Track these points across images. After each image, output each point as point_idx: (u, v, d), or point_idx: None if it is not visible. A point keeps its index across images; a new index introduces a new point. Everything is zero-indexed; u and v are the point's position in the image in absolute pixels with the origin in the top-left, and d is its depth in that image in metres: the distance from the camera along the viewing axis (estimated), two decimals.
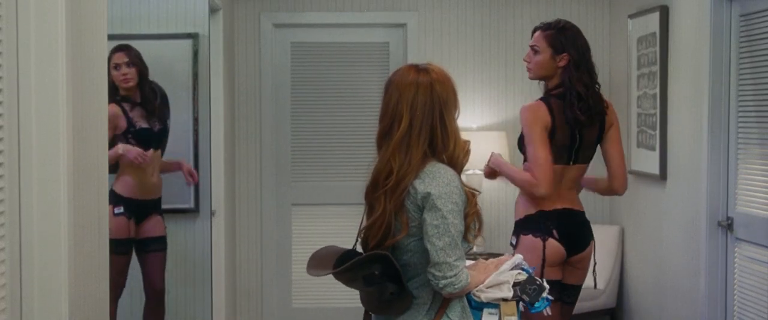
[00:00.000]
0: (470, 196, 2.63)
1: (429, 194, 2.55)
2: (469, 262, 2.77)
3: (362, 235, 2.70)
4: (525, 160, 3.88)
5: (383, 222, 2.61)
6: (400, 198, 2.59)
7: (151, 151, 4.71)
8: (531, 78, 3.97)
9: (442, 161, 2.65)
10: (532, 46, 3.91)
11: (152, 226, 4.77)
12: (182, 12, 5.28)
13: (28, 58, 2.57)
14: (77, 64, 2.81)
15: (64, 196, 2.63)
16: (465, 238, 2.62)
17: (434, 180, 2.57)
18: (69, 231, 2.67)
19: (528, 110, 3.80)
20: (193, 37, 5.26)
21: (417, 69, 2.69)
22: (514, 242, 3.88)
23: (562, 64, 3.84)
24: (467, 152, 2.68)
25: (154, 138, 4.74)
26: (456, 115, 2.69)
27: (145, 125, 4.70)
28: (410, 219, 2.60)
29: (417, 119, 2.61)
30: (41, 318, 2.62)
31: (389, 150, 2.62)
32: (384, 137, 2.67)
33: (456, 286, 2.55)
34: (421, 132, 2.61)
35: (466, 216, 2.60)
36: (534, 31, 3.96)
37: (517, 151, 6.03)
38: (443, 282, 2.55)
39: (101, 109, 3.16)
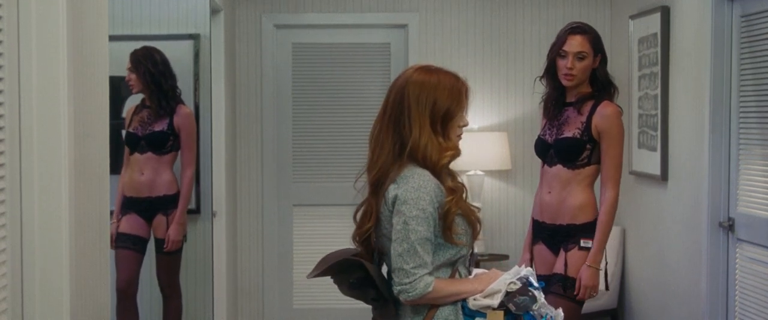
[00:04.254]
0: (449, 192, 2.56)
1: (396, 197, 2.54)
2: (478, 271, 2.72)
3: (354, 218, 2.73)
4: (556, 164, 3.87)
5: (366, 210, 2.66)
6: (378, 190, 2.60)
7: (136, 152, 4.85)
8: (572, 85, 3.85)
9: (417, 159, 2.59)
10: (577, 54, 3.81)
11: (138, 225, 4.83)
12: (183, 13, 5.28)
13: (30, 58, 2.57)
14: (78, 65, 2.81)
15: (65, 196, 2.64)
16: (448, 239, 2.55)
17: (405, 185, 2.54)
18: (70, 231, 2.67)
19: (619, 115, 3.82)
20: (194, 38, 5.26)
21: (414, 66, 2.69)
22: (589, 245, 3.81)
23: (596, 65, 3.87)
24: (449, 155, 2.60)
25: (139, 141, 4.84)
26: (448, 112, 2.60)
27: (137, 129, 4.85)
28: (387, 222, 2.59)
29: (388, 111, 2.60)
30: (42, 318, 2.62)
31: (370, 142, 2.67)
32: None
33: (411, 294, 2.50)
34: (389, 125, 2.60)
35: (446, 214, 2.54)
36: (565, 35, 3.85)
37: (518, 151, 6.05)
38: (398, 288, 2.52)
39: (102, 109, 3.16)
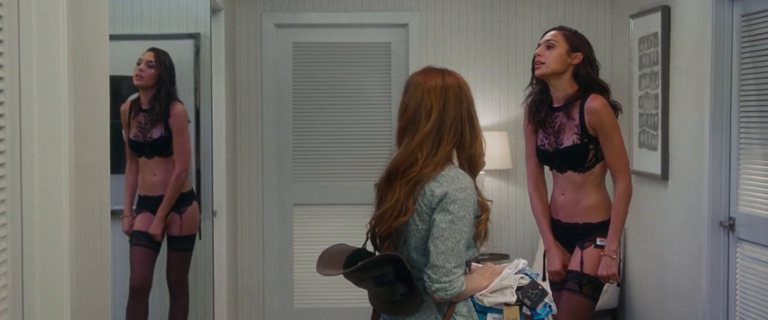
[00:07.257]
0: (483, 206, 2.65)
1: (445, 195, 2.56)
2: (476, 265, 2.76)
3: (372, 224, 2.70)
4: (566, 165, 3.87)
5: (395, 209, 2.62)
6: (414, 188, 2.60)
7: (143, 157, 4.85)
8: (541, 74, 3.87)
9: (463, 161, 2.66)
10: (546, 42, 3.87)
11: (152, 223, 4.83)
12: (184, 12, 5.28)
13: (30, 58, 2.57)
14: (79, 64, 2.81)
15: (65, 196, 2.64)
16: (476, 239, 2.64)
17: (452, 184, 2.58)
18: (70, 231, 2.67)
19: (607, 104, 3.82)
20: (194, 37, 5.26)
21: (440, 70, 2.72)
22: (603, 242, 3.85)
23: (575, 61, 3.86)
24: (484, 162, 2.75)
25: (143, 148, 4.83)
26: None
27: (138, 136, 4.83)
28: (420, 217, 2.60)
29: (448, 114, 2.64)
30: (42, 318, 2.62)
31: (414, 141, 2.64)
32: (404, 132, 2.68)
33: (448, 292, 2.55)
34: (451, 127, 2.64)
35: (478, 223, 2.62)
36: (546, 34, 3.94)
37: (519, 150, 6.04)
38: (436, 285, 2.55)
39: (103, 109, 3.16)
